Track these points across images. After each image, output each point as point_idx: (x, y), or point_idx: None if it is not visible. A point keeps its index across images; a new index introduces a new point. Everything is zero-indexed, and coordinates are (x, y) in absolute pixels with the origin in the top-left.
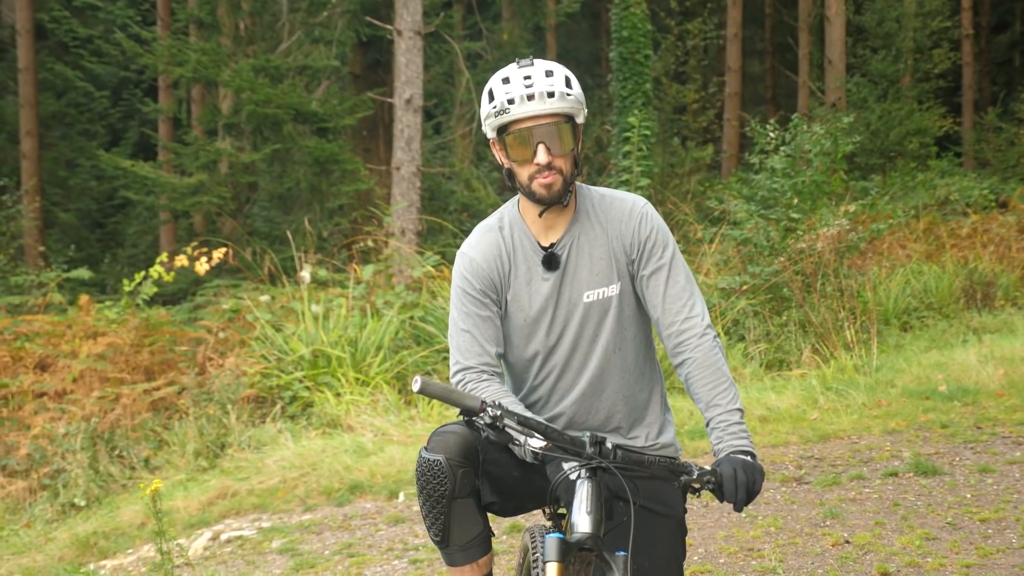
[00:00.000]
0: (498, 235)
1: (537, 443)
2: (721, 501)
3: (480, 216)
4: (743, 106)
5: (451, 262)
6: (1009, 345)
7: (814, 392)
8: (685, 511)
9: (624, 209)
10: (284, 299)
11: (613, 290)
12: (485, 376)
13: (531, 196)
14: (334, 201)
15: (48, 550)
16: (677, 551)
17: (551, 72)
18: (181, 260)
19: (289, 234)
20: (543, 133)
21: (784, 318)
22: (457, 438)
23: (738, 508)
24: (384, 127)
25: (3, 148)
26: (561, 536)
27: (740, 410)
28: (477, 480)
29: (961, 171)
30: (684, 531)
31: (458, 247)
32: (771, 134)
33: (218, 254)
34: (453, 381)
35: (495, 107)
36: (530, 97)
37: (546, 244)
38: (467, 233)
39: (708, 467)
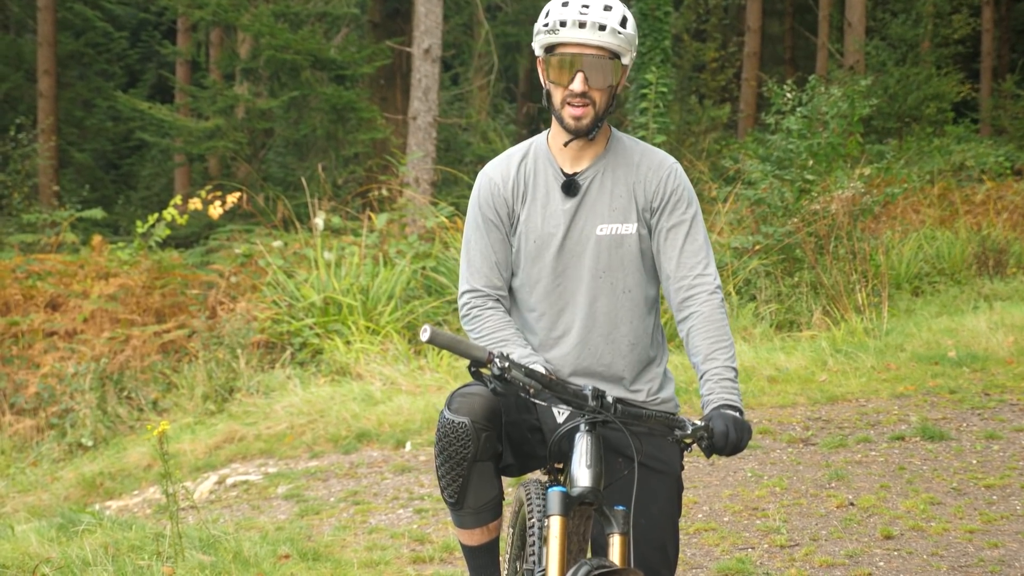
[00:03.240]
0: (521, 158)
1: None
2: (708, 456)
3: None
4: (761, 66)
5: (464, 214)
6: (1020, 313)
7: (823, 354)
8: (682, 468)
9: (655, 160)
10: (297, 245)
11: (628, 228)
12: (490, 302)
13: (560, 121)
14: (350, 149)
15: (54, 489)
16: (673, 508)
17: (609, 7)
18: (195, 203)
19: (304, 180)
20: (586, 63)
21: (796, 279)
22: (482, 400)
23: (722, 454)
24: (402, 76)
25: (20, 86)
26: (563, 490)
27: (735, 369)
28: (499, 444)
29: (977, 137)
30: (681, 488)
31: None
32: (788, 95)
33: (232, 198)
34: (460, 302)
35: (547, 24)
36: (582, 24)
37: (570, 172)
38: None
39: (700, 422)
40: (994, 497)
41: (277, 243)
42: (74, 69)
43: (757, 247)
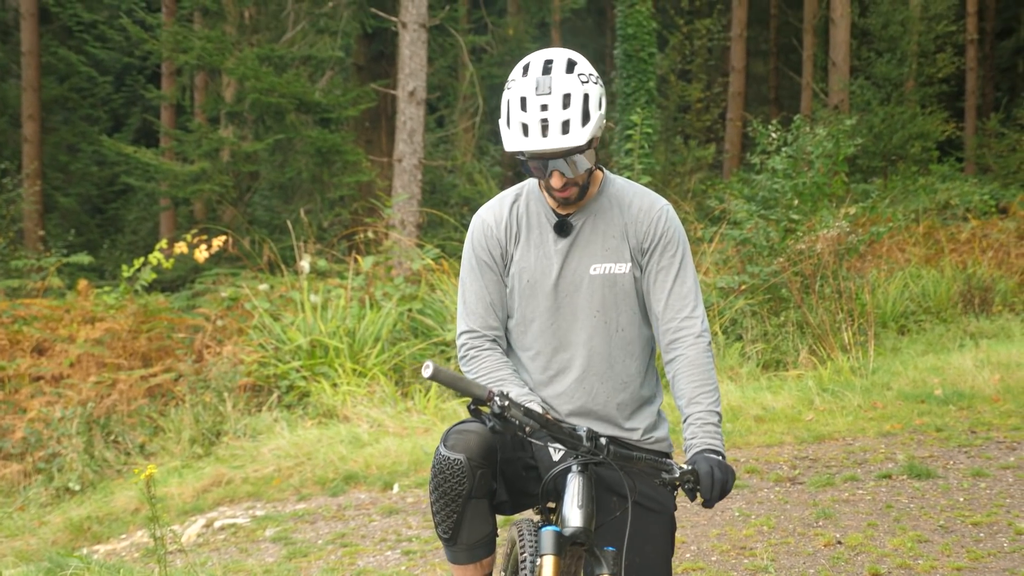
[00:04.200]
0: (513, 200)
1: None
2: (692, 500)
3: None
4: (746, 106)
5: (450, 256)
6: (1005, 350)
7: (810, 393)
8: (675, 507)
9: (646, 202)
10: (283, 288)
11: (622, 268)
12: (487, 343)
13: (549, 195)
14: (335, 192)
15: (42, 533)
16: (667, 547)
17: (568, 99)
18: (181, 247)
19: (289, 224)
20: (559, 164)
21: (782, 318)
22: (478, 438)
23: (709, 505)
24: (387, 119)
25: (5, 131)
26: (557, 529)
27: (718, 414)
28: (494, 482)
29: (962, 176)
30: (674, 527)
31: (459, 240)
32: (773, 135)
33: (218, 242)
34: (458, 343)
35: (510, 126)
36: (544, 131)
37: (563, 214)
38: (468, 227)
39: (687, 466)
40: (981, 535)
41: (263, 286)
42: (58, 114)
43: (743, 287)
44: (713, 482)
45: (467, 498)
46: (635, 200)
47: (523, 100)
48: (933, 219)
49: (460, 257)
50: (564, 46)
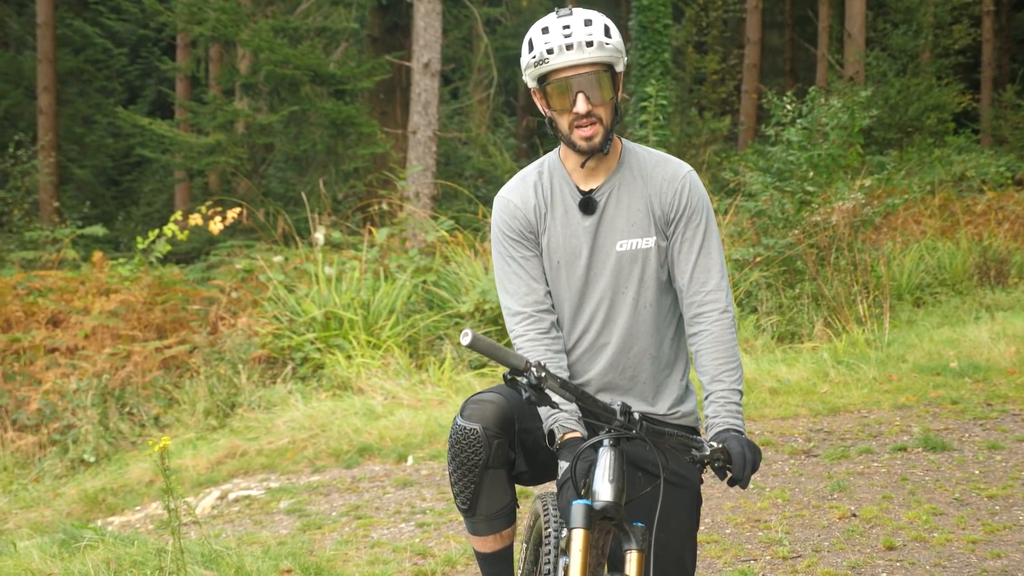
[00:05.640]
0: (536, 179)
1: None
2: (723, 478)
3: (496, 182)
4: (762, 78)
5: (465, 227)
6: (1021, 323)
7: (825, 365)
8: (701, 482)
9: (670, 170)
10: (297, 260)
11: (648, 243)
12: (536, 321)
13: (572, 146)
14: (350, 164)
15: (56, 505)
16: (693, 522)
17: (590, 21)
18: (195, 219)
19: (304, 195)
20: (582, 82)
21: (797, 291)
22: (495, 407)
23: (744, 484)
24: (401, 91)
25: (20, 103)
26: (588, 503)
27: (740, 392)
28: (512, 451)
29: (978, 148)
30: (700, 502)
31: (474, 212)
32: (788, 106)
33: (232, 214)
34: (509, 331)
35: (534, 57)
36: (568, 47)
37: (586, 190)
38: (482, 199)
39: (716, 444)
40: (996, 507)
41: (278, 258)
42: (74, 86)
43: (758, 259)
44: (745, 462)
45: (484, 468)
46: (657, 169)
47: (545, 28)
48: (949, 191)
49: (474, 229)
50: None
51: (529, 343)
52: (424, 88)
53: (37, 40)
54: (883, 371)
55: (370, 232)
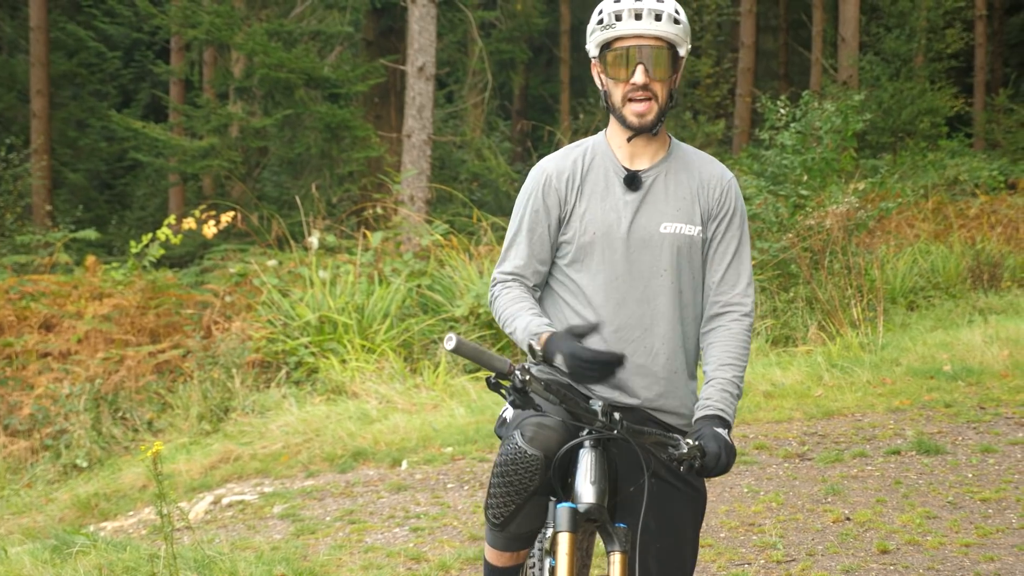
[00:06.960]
0: (578, 154)
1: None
2: (698, 476)
3: (491, 186)
4: (756, 82)
5: (460, 231)
6: (1015, 326)
7: (819, 369)
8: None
9: (716, 169)
10: (291, 264)
11: (692, 230)
12: (522, 281)
13: (622, 120)
14: (344, 167)
15: (48, 511)
16: (697, 523)
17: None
18: (189, 223)
19: (298, 199)
20: (644, 54)
21: (791, 294)
22: (558, 436)
23: (703, 474)
24: (396, 94)
25: (13, 106)
26: (572, 506)
27: (739, 387)
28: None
29: (971, 152)
30: (705, 504)
31: (467, 216)
32: (782, 110)
33: (226, 218)
34: (491, 282)
35: (601, 21)
36: (638, 15)
37: (631, 169)
38: (477, 202)
39: (693, 441)
40: (990, 511)
41: (272, 262)
42: (67, 89)
43: (752, 263)
44: (717, 464)
45: (532, 494)
46: (705, 166)
47: None
48: (942, 195)
49: (469, 232)
50: (573, 21)
51: (508, 289)
52: (419, 92)
53: (30, 43)
54: (877, 375)
55: (364, 236)
